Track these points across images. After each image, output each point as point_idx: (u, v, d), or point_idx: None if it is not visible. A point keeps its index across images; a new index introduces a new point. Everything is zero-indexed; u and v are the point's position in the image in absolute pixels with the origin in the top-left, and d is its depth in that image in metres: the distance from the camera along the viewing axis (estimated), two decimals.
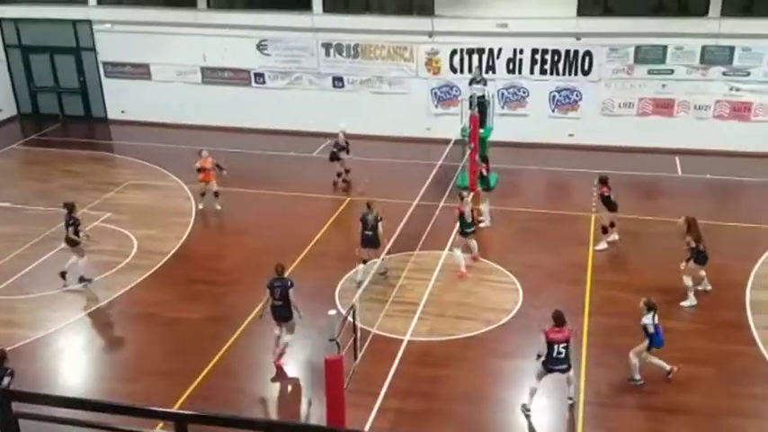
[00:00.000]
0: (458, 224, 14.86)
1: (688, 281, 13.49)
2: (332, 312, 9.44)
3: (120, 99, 24.95)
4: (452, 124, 19.50)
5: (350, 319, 10.20)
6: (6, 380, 9.80)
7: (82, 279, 14.72)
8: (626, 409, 11.09)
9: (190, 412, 4.11)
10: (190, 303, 14.07)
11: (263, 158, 21.74)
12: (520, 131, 21.31)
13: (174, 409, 5.48)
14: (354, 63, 22.68)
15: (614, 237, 15.79)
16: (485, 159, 17.33)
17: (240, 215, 17.99)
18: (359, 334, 10.56)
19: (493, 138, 19.50)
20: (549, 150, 21.32)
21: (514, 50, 21.43)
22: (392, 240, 13.45)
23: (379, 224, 14.03)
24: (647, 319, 11.10)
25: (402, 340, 12.73)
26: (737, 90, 20.39)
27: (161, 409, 4.37)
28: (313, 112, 22.90)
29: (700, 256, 13.45)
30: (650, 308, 11.12)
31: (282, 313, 11.88)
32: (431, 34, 21.80)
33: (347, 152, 19.06)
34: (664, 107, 21.07)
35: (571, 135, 21.62)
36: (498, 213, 16.98)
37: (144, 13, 23.78)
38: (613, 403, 11.18)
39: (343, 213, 17.75)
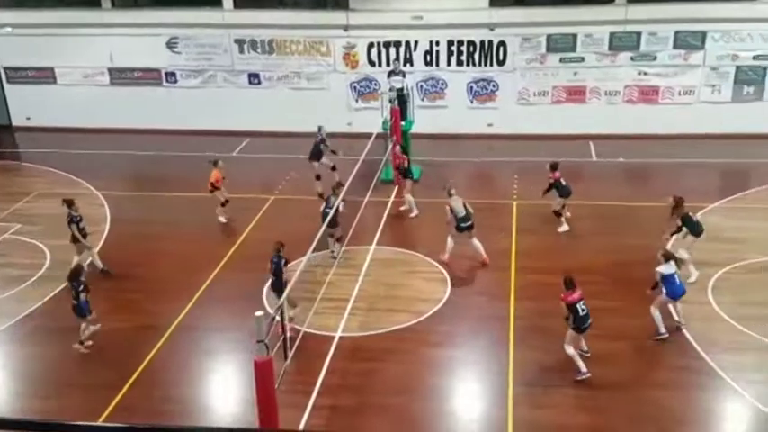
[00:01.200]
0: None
1: (684, 253, 13.77)
2: (258, 313, 9.24)
3: (25, 105, 23.86)
4: (373, 118, 19.46)
5: (278, 318, 10.01)
6: (83, 295, 12.14)
7: (103, 271, 14.76)
8: (553, 387, 11.31)
9: (109, 425, 3.89)
10: (109, 313, 13.49)
11: (179, 160, 21.13)
12: (440, 123, 21.48)
13: (96, 423, 5.19)
14: (270, 59, 22.35)
15: (564, 224, 16.10)
16: (404, 151, 17.44)
17: (158, 220, 17.42)
18: (288, 333, 10.39)
19: (414, 130, 19.57)
20: (470, 141, 21.56)
21: (431, 42, 21.56)
22: (317, 237, 13.30)
23: (341, 205, 14.47)
24: (660, 269, 11.95)
25: (333, 337, 12.62)
26: (645, 74, 21.11)
27: (81, 423, 4.11)
28: (229, 111, 22.48)
29: (696, 229, 13.88)
30: (667, 258, 12.01)
31: (275, 286, 12.34)
32: (346, 28, 21.69)
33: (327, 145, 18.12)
34: (576, 94, 21.61)
35: (490, 125, 21.93)
36: (424, 205, 17.04)
37: (46, 15, 22.76)
38: (541, 383, 11.39)
39: (268, 213, 17.44)
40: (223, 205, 16.97)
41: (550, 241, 15.83)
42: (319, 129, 17.96)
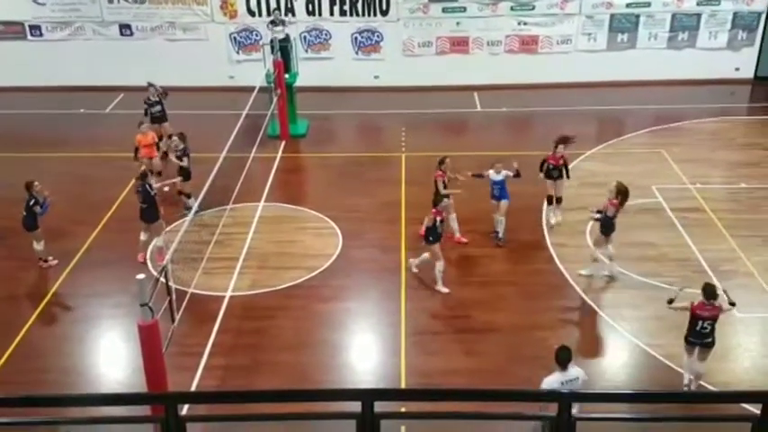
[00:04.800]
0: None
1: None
2: (140, 276, 8.87)
3: None
4: (256, 70, 18.88)
5: (162, 280, 9.63)
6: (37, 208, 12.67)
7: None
8: (442, 334, 11.58)
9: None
10: None
11: (47, 118, 19.84)
12: (326, 75, 21.09)
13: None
14: (142, 9, 21.16)
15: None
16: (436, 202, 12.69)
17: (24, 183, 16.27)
18: (174, 295, 10.03)
19: (299, 83, 19.14)
20: (357, 93, 21.33)
21: None
22: (201, 195, 12.83)
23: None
24: (490, 172, 13.49)
25: (224, 297, 12.35)
26: (525, 24, 21.47)
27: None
28: (101, 64, 21.21)
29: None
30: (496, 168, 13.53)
31: (147, 215, 12.98)
32: None
33: (162, 107, 16.95)
34: (460, 45, 21.73)
35: (376, 77, 21.75)
36: (313, 160, 16.80)
37: None
38: (431, 331, 11.63)
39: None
40: (159, 174, 15.47)
41: None
42: (150, 85, 16.91)
